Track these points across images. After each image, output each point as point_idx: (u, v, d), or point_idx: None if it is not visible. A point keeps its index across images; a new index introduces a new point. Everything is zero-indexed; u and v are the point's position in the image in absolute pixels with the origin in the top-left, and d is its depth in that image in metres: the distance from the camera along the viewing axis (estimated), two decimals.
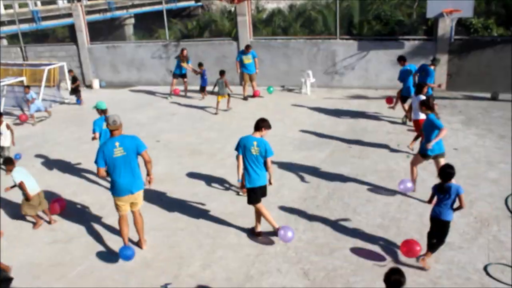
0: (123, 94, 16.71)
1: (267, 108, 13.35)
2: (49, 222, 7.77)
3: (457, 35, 13.78)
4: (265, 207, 6.86)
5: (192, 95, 15.55)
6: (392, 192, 8.10)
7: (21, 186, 7.43)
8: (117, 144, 6.35)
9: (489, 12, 16.31)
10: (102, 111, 8.60)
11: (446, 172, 5.71)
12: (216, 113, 13.16)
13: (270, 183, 6.80)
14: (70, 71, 15.89)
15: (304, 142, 10.68)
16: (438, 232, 5.89)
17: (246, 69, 14.13)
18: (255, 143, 6.53)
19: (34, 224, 7.72)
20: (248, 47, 14.13)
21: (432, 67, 10.87)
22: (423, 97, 8.48)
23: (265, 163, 6.61)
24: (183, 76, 15.25)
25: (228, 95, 13.33)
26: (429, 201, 6.12)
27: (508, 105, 12.37)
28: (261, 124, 6.64)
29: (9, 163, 7.47)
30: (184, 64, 14.89)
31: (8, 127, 10.22)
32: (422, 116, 8.37)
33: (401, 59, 11.55)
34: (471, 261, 6.13)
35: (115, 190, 6.49)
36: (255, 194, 6.71)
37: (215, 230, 7.26)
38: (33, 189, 7.55)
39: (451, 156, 9.36)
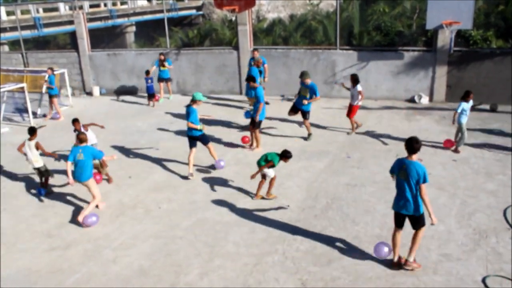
0: (123, 102, 16.75)
1: (267, 117, 13.35)
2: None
3: (456, 47, 13.86)
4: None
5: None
6: (390, 203, 8.08)
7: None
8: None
9: (488, 24, 16.43)
10: (195, 102, 9.44)
11: None
12: None
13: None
14: None
15: (303, 152, 10.69)
16: None
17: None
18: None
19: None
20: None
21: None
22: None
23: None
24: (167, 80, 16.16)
25: None
26: None
27: (507, 116, 12.40)
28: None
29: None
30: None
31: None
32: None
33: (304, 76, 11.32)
34: (469, 273, 6.12)
35: None
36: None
37: (213, 238, 7.25)
38: None
39: (450, 167, 9.39)
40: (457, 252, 6.57)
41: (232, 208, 8.21)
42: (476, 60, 13.62)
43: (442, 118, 12.62)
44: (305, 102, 11.11)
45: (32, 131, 9.02)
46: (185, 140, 11.76)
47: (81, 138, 8.03)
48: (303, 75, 11.31)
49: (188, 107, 9.46)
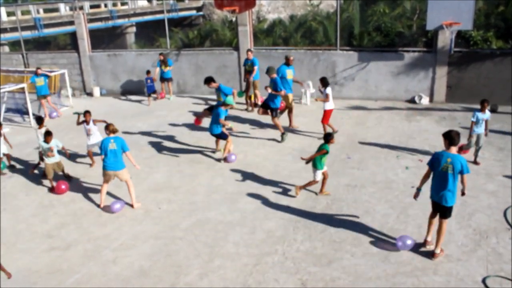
0: (124, 102, 16.76)
1: (266, 118, 13.35)
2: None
3: (456, 48, 13.85)
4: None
5: (188, 103, 15.61)
6: (390, 203, 8.10)
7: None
8: None
9: (488, 25, 16.40)
10: (226, 105, 10.23)
11: None
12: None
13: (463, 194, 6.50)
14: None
15: (304, 152, 10.66)
16: None
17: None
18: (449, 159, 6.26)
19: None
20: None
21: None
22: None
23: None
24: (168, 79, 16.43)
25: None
26: None
27: (507, 117, 12.39)
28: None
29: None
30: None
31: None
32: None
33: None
34: (469, 273, 6.12)
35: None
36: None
37: (213, 239, 7.25)
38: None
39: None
40: (457, 252, 6.57)
41: (232, 208, 8.20)
42: (477, 61, 13.62)
43: (442, 119, 12.62)
44: (268, 89, 11.15)
45: (39, 120, 10.23)
46: (185, 141, 11.82)
47: (112, 129, 8.37)
48: (268, 70, 11.40)
49: (217, 108, 10.19)
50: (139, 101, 16.66)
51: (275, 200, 8.39)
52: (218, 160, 10.41)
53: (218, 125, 10.16)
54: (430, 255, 6.50)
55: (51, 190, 9.28)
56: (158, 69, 16.10)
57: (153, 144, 11.73)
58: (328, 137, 8.23)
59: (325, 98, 11.13)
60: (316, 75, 15.16)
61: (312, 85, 14.98)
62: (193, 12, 37.04)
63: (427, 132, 11.60)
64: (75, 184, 9.58)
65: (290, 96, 12.28)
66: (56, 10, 29.10)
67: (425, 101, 14.11)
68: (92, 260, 6.85)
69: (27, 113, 14.39)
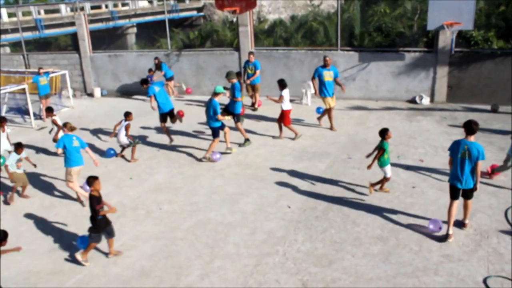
0: (125, 103, 16.75)
1: (267, 118, 13.37)
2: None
3: (457, 48, 13.85)
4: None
5: (191, 103, 15.62)
6: (391, 204, 8.09)
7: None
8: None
9: (489, 25, 16.41)
10: (216, 94, 10.22)
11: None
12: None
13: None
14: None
15: (304, 152, 10.69)
16: None
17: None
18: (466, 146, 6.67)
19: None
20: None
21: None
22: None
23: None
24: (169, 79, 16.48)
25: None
26: None
27: (508, 117, 12.37)
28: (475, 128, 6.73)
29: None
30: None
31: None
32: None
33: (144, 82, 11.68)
34: (470, 273, 6.11)
35: None
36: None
37: (214, 240, 7.25)
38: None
39: None
40: (458, 253, 6.56)
41: (232, 209, 8.21)
42: (477, 61, 13.61)
43: (443, 119, 12.61)
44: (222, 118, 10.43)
45: (50, 110, 10.92)
46: (185, 142, 11.83)
47: (70, 127, 8.66)
48: (228, 75, 11.29)
49: (211, 100, 10.16)
50: (140, 102, 16.67)
51: (276, 201, 8.39)
52: (208, 170, 10.08)
53: (216, 119, 10.19)
54: (461, 225, 7.08)
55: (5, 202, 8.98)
56: (160, 73, 16.23)
57: (154, 145, 11.73)
58: (384, 133, 8.16)
59: (278, 99, 11.18)
60: None
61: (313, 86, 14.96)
62: (194, 13, 37.10)
63: (428, 132, 11.59)
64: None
65: (328, 99, 11.98)
66: (57, 11, 29.18)
67: (426, 101, 14.11)
68: (93, 261, 6.85)
69: (28, 113, 14.41)
